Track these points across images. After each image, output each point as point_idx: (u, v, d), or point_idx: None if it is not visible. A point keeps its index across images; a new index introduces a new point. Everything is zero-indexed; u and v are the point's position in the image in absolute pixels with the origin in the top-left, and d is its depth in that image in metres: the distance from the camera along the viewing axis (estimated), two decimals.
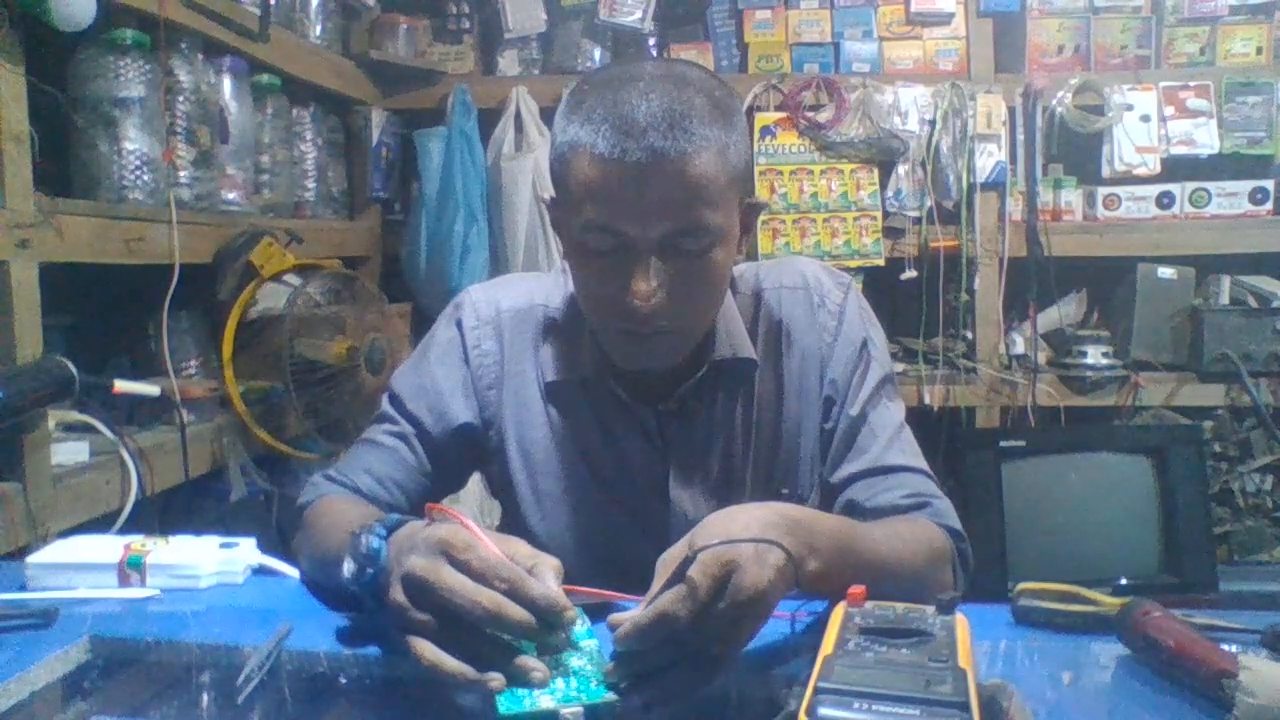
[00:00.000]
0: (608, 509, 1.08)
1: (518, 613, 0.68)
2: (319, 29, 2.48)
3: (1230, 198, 2.63)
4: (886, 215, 2.70)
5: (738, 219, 0.97)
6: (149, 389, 1.61)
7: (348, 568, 0.80)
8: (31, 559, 0.99)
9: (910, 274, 2.66)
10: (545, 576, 0.70)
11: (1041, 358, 2.68)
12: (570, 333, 1.08)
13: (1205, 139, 2.66)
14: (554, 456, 1.08)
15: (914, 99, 2.64)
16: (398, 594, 0.72)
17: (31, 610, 0.88)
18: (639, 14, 2.74)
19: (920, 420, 2.48)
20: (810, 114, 2.68)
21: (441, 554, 0.70)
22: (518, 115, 2.66)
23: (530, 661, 0.69)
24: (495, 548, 0.71)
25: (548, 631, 0.69)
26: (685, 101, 0.89)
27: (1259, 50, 2.70)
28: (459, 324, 1.10)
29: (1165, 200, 2.64)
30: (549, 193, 1.01)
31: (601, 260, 0.93)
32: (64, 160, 1.64)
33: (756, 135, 2.67)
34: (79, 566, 0.97)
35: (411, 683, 0.78)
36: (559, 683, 0.69)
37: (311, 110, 2.43)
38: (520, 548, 0.73)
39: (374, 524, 0.80)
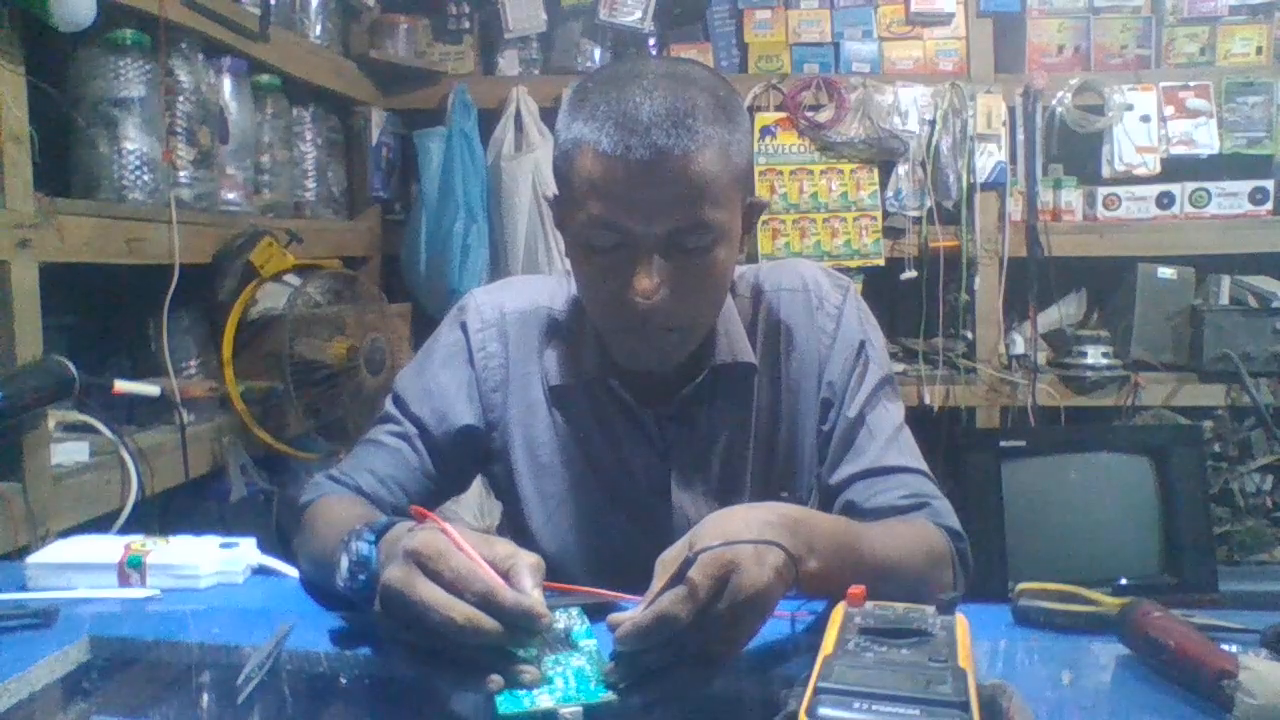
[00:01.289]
0: (610, 511, 1.08)
1: (490, 625, 0.66)
2: (319, 29, 2.47)
3: (1230, 198, 2.63)
4: (886, 215, 2.70)
5: (740, 218, 0.97)
6: (149, 389, 1.61)
7: (340, 574, 0.80)
8: (31, 559, 0.99)
9: (910, 274, 2.66)
10: (521, 579, 0.69)
11: (1041, 358, 2.68)
12: (574, 335, 1.08)
13: (1205, 139, 2.66)
14: (558, 458, 1.08)
15: (914, 99, 2.64)
16: (380, 605, 0.71)
17: (31, 610, 0.88)
18: (639, 14, 2.74)
19: (920, 420, 2.49)
20: (810, 114, 2.68)
21: (415, 564, 0.69)
22: (518, 115, 2.66)
23: (522, 664, 0.68)
24: (473, 552, 0.69)
25: (525, 638, 0.68)
26: (689, 100, 0.89)
27: (1259, 50, 2.71)
28: (464, 326, 1.11)
29: (1165, 200, 2.64)
30: (552, 190, 1.01)
31: (604, 257, 0.93)
32: (64, 160, 1.64)
33: (756, 135, 2.67)
34: (79, 566, 0.97)
35: (411, 683, 0.78)
36: (558, 682, 0.69)
37: (311, 110, 2.43)
38: (500, 548, 0.72)
39: (362, 529, 0.80)
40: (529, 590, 0.69)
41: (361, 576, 0.78)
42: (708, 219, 0.91)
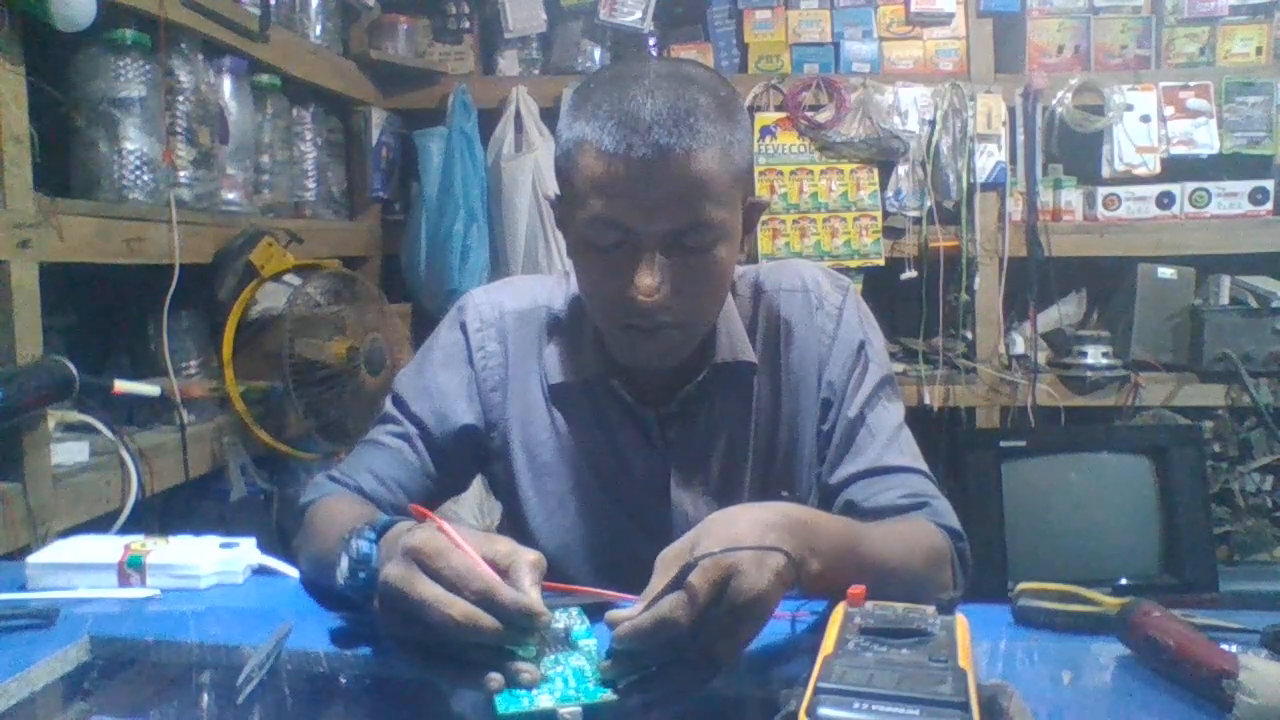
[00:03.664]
0: (610, 510, 1.08)
1: (489, 623, 0.67)
2: (319, 29, 2.47)
3: (1230, 198, 2.63)
4: (886, 215, 2.70)
5: (740, 217, 0.97)
6: (149, 389, 1.61)
7: (340, 572, 0.80)
8: (31, 559, 0.99)
9: (910, 274, 2.66)
10: (520, 577, 0.69)
11: (1041, 358, 2.68)
12: (573, 334, 1.09)
13: (1205, 139, 2.66)
14: (557, 458, 1.08)
15: (914, 99, 2.64)
16: (379, 603, 0.71)
17: (31, 610, 0.88)
18: (639, 14, 2.74)
19: (920, 420, 2.48)
20: (810, 114, 2.68)
21: (414, 562, 0.69)
22: (518, 115, 2.66)
23: (521, 664, 0.68)
24: (472, 551, 0.69)
25: (523, 637, 0.68)
26: (690, 99, 0.90)
27: (1259, 50, 2.70)
28: (463, 326, 1.11)
29: (1165, 200, 2.64)
30: (553, 191, 1.02)
31: (605, 255, 0.93)
32: (64, 160, 1.64)
33: (756, 135, 2.67)
34: (79, 566, 0.97)
35: (411, 683, 0.78)
36: (557, 682, 0.69)
37: (311, 110, 2.43)
38: (500, 545, 0.72)
39: (364, 527, 0.80)
40: (528, 588, 0.69)
41: (362, 574, 0.78)
42: (709, 218, 0.91)
